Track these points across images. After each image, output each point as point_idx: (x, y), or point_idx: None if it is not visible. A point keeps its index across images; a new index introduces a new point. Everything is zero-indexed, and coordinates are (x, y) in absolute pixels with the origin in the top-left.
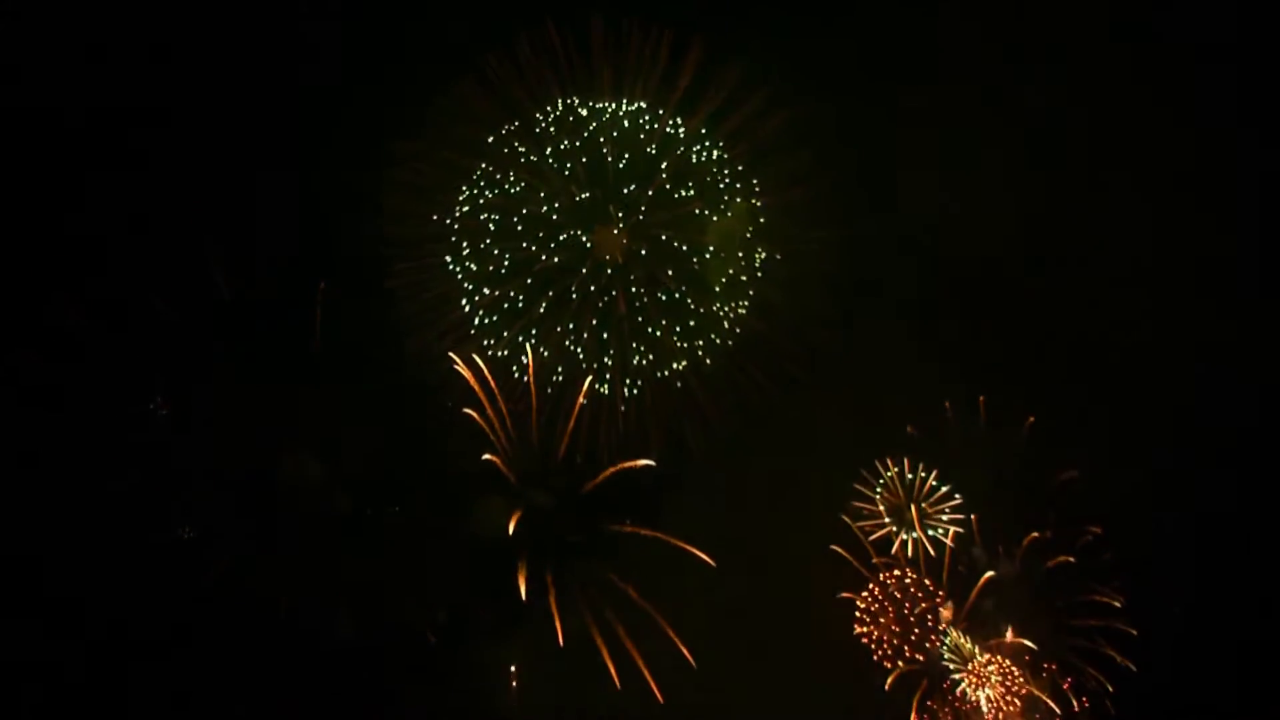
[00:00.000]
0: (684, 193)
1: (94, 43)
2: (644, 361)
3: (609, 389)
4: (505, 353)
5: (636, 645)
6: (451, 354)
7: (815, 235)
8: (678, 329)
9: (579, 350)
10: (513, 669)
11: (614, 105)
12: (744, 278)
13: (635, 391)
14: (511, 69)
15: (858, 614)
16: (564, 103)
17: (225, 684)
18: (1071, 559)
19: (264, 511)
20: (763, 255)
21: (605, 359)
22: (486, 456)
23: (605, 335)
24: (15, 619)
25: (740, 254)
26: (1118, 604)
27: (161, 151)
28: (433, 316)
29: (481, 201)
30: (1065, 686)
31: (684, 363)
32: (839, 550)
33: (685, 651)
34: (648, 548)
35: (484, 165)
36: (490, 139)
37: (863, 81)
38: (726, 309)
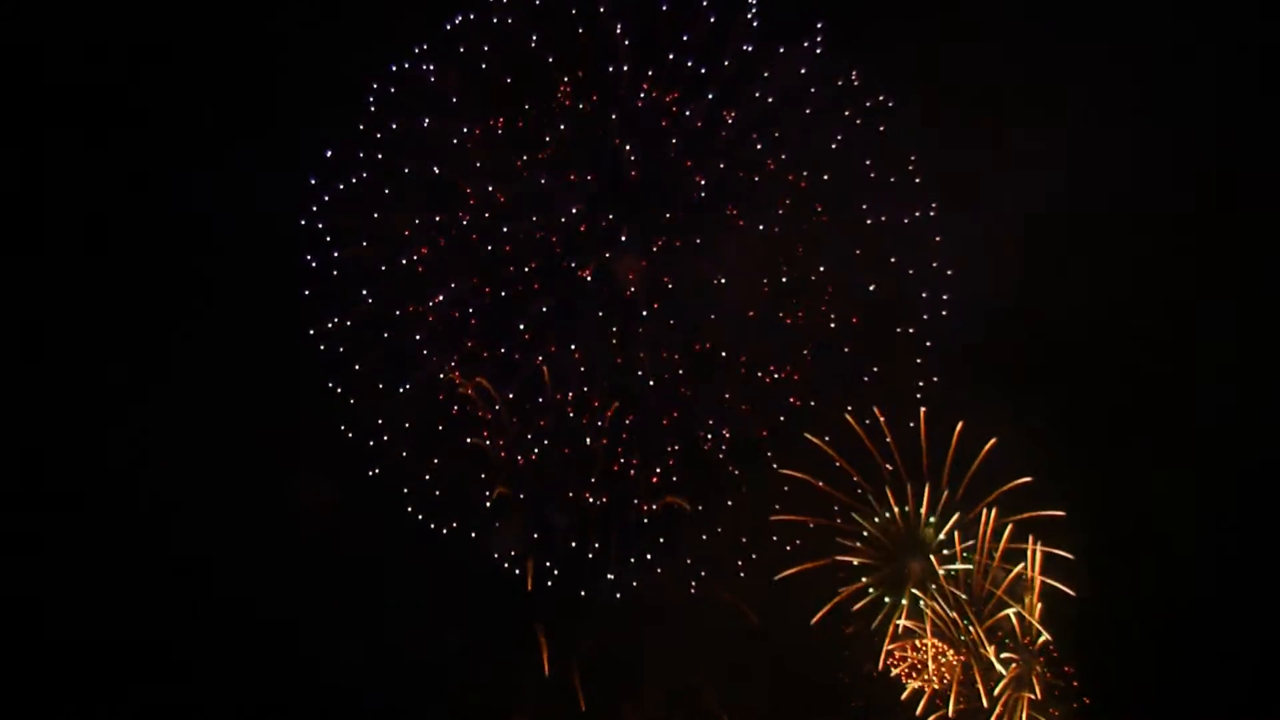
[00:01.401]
0: (728, 209)
1: None
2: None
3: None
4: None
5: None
6: (455, 377)
7: (907, 272)
8: (726, 395)
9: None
10: None
11: (631, 90)
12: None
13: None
14: (485, 38)
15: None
16: (562, 86)
17: (228, 710)
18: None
19: (271, 534)
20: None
21: (622, 433)
22: (499, 490)
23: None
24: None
25: (795, 299)
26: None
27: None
28: (383, 379)
29: (454, 231)
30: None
31: (725, 442)
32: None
33: None
34: (666, 590)
35: (452, 177)
36: (456, 140)
37: (989, 65)
38: (782, 371)
